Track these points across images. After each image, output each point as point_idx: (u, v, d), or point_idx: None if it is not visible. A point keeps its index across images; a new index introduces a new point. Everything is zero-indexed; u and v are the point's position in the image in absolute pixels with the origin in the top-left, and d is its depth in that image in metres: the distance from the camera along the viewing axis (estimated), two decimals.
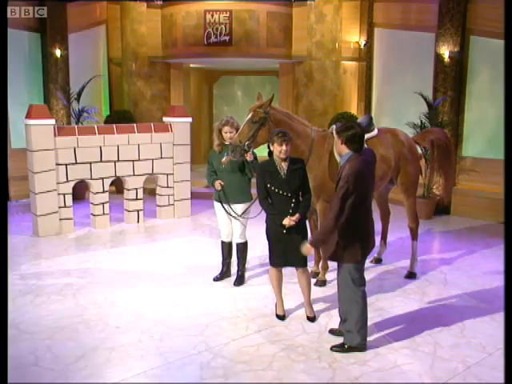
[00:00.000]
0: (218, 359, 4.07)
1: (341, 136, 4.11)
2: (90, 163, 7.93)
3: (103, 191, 8.09)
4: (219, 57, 10.77)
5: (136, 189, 8.43)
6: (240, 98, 14.58)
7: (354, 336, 4.18)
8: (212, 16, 10.41)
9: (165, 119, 8.90)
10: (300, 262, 4.65)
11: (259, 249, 6.41)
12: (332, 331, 4.52)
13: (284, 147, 4.49)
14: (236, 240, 5.72)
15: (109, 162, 8.09)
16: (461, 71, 9.22)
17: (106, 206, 8.15)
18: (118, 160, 8.18)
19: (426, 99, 9.08)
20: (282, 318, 4.82)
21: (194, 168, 12.83)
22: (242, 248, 5.73)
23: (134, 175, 8.37)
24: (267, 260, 6.09)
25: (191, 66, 12.54)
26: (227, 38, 10.43)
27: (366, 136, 5.68)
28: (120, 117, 10.81)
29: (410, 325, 4.71)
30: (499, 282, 5.69)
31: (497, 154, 8.53)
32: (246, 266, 5.91)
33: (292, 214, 4.53)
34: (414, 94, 9.19)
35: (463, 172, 9.24)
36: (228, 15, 10.37)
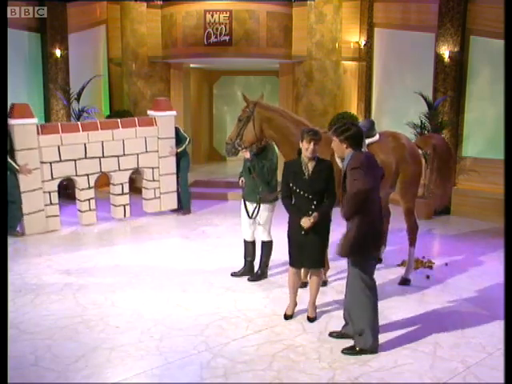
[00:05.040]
0: (217, 359, 4.07)
1: (341, 137, 4.07)
2: (75, 160, 7.97)
3: (89, 187, 8.17)
4: (219, 57, 10.77)
5: (122, 184, 8.51)
6: (240, 98, 14.55)
7: (367, 338, 4.13)
8: (212, 16, 10.40)
9: (149, 113, 8.98)
10: (315, 264, 4.64)
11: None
12: (332, 334, 4.48)
13: (311, 146, 4.41)
14: (260, 237, 5.79)
15: (94, 158, 8.15)
16: (461, 71, 9.23)
17: (92, 202, 8.24)
18: (103, 156, 8.24)
19: (426, 99, 9.08)
20: (288, 317, 4.81)
21: (194, 168, 12.85)
22: (264, 246, 5.78)
23: (119, 170, 8.44)
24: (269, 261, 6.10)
25: (191, 66, 12.54)
26: (227, 38, 10.43)
27: (367, 141, 5.62)
28: (120, 117, 10.77)
29: (410, 325, 4.71)
30: (499, 282, 5.69)
31: (497, 154, 8.53)
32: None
33: None
34: (414, 94, 9.19)
35: (463, 172, 9.23)
36: (228, 15, 10.37)
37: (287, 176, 4.58)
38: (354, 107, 11.42)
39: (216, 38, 10.44)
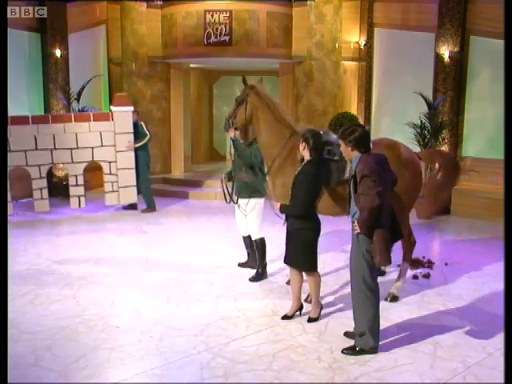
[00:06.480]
0: (218, 359, 4.07)
1: (347, 140, 4.01)
2: (25, 151, 8.36)
3: (40, 177, 8.55)
4: (219, 57, 10.78)
5: (76, 175, 8.80)
6: None
7: (367, 339, 4.13)
8: (212, 16, 10.41)
9: (111, 108, 9.22)
10: (293, 263, 4.66)
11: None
12: (347, 334, 4.45)
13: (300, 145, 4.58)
14: (252, 236, 5.86)
15: (45, 150, 8.50)
16: (461, 71, 9.23)
17: (44, 191, 8.64)
18: (55, 148, 8.56)
19: (426, 99, 9.08)
20: (288, 318, 4.79)
21: (194, 168, 12.88)
22: (257, 244, 5.83)
23: (72, 163, 8.73)
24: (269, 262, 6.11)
25: (191, 66, 12.55)
26: (227, 38, 10.43)
27: None
28: None
29: (410, 325, 4.71)
30: (499, 282, 5.68)
31: (497, 154, 8.54)
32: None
33: None
34: (413, 94, 9.20)
35: (463, 172, 9.22)
36: (228, 15, 10.38)
37: None
38: (354, 107, 11.42)
39: (216, 37, 10.45)
